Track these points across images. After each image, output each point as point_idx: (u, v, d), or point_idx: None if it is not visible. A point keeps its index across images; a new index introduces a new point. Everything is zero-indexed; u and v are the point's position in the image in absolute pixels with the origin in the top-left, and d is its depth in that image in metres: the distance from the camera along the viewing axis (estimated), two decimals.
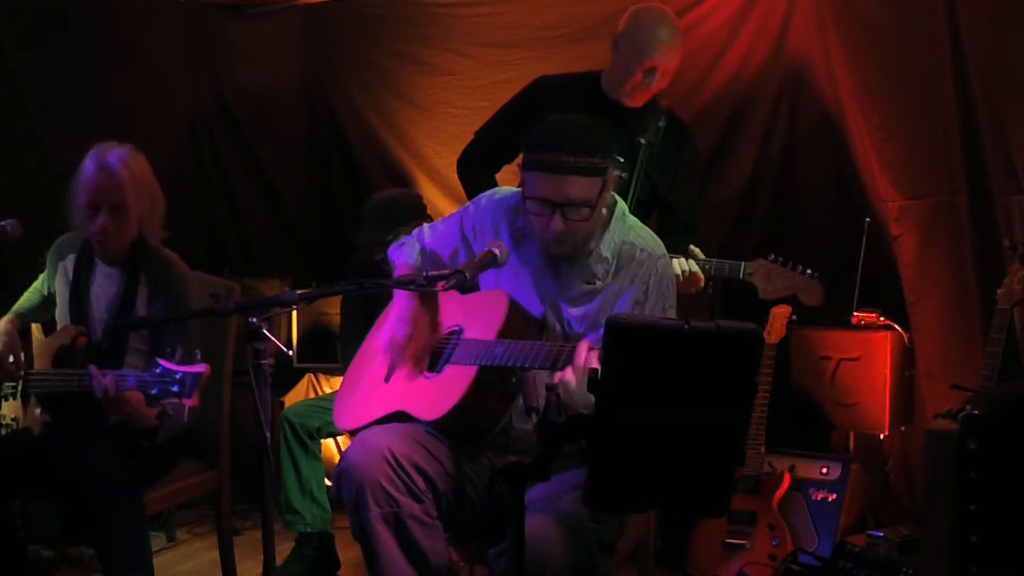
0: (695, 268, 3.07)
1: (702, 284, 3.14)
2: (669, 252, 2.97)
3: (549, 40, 4.29)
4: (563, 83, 3.33)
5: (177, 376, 2.38)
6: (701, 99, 4.00)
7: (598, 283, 2.38)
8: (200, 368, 2.38)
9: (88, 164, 2.83)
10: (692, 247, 3.13)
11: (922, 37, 3.25)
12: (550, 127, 2.28)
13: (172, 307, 2.82)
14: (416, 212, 3.81)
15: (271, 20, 4.93)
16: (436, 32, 4.57)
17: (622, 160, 3.25)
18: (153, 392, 2.40)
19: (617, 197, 2.43)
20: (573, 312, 2.38)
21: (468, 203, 2.60)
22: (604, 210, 2.36)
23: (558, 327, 2.39)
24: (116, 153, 2.83)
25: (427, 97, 4.63)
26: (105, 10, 4.45)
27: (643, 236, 2.43)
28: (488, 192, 2.58)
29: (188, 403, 2.39)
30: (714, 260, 3.14)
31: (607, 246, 2.37)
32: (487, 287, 2.48)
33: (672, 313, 2.39)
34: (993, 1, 3.10)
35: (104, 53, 4.45)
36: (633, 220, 2.46)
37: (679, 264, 3.05)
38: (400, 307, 2.54)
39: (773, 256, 3.11)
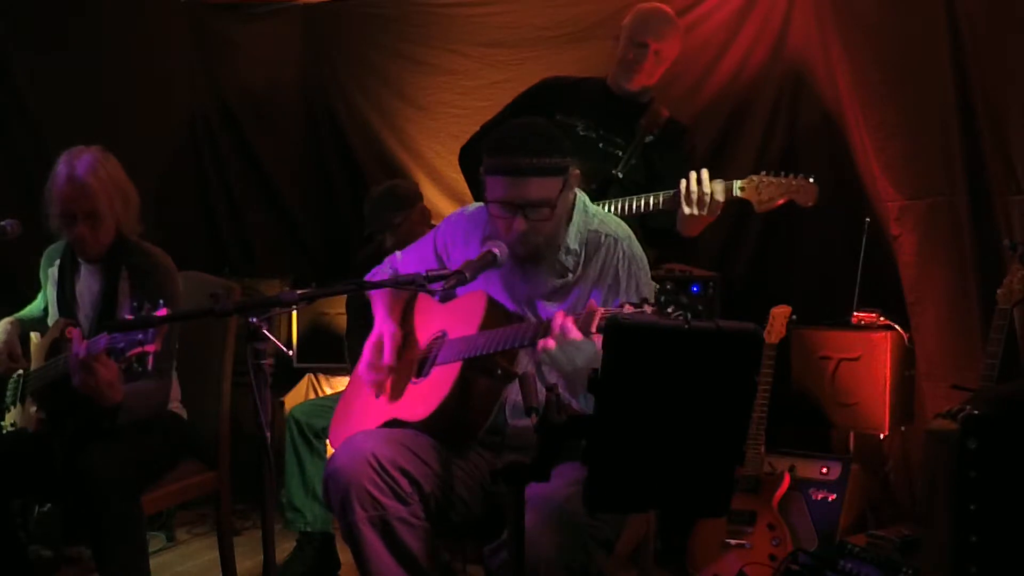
0: (718, 193, 3.03)
1: (719, 212, 3.08)
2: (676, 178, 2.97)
3: (549, 40, 4.29)
4: (571, 83, 3.41)
5: None
6: (701, 99, 4.01)
7: (570, 275, 2.40)
8: (160, 313, 2.38)
9: (59, 173, 2.82)
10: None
11: (922, 37, 3.25)
12: (507, 131, 2.32)
13: (154, 295, 2.82)
14: (416, 196, 3.89)
15: (271, 20, 4.93)
16: (436, 32, 4.57)
17: (620, 141, 3.28)
18: (120, 346, 2.41)
19: (577, 190, 2.45)
20: (551, 308, 2.40)
21: (441, 221, 2.65)
22: (568, 206, 2.39)
23: (538, 320, 2.40)
24: (84, 161, 2.82)
25: (427, 97, 4.63)
26: (105, 10, 4.45)
27: (606, 221, 2.46)
28: (459, 209, 2.64)
29: (151, 348, 2.40)
30: None
31: (573, 237, 2.40)
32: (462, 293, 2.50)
33: (647, 290, 2.40)
34: (993, 1, 3.10)
35: (104, 53, 4.45)
36: (595, 208, 2.49)
37: (692, 181, 3.02)
38: (382, 316, 2.58)
39: (764, 171, 3.10)
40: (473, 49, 4.49)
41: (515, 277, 2.44)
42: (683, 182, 3.03)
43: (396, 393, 2.51)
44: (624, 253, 2.40)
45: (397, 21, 4.67)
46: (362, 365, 2.56)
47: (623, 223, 2.50)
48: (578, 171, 2.37)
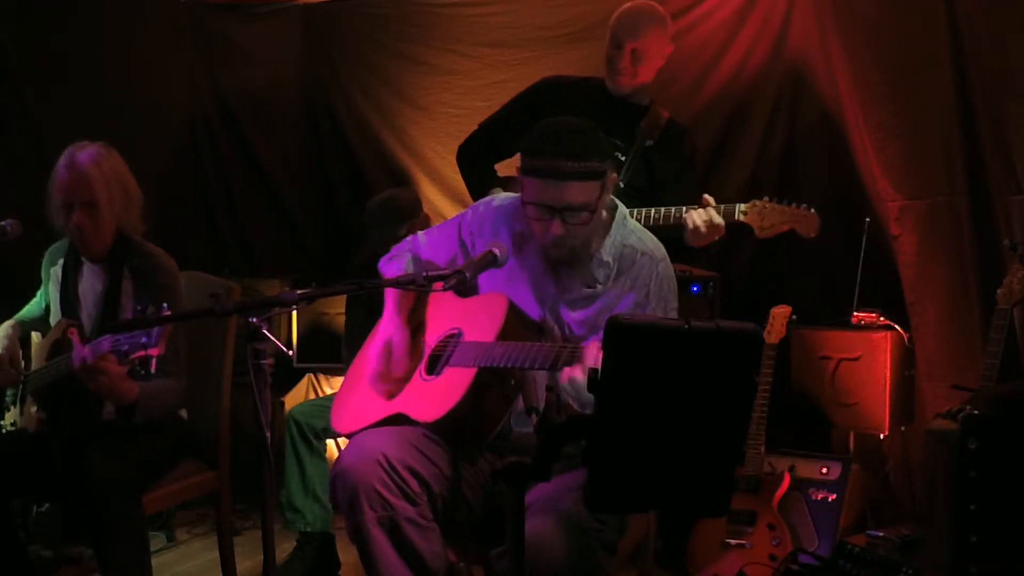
0: (717, 218, 3.06)
1: (723, 232, 3.11)
2: (680, 205, 2.97)
3: (549, 40, 4.30)
4: (571, 83, 3.40)
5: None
6: (701, 99, 4.01)
7: (599, 287, 2.37)
8: (163, 314, 2.39)
9: (60, 164, 2.85)
10: (705, 196, 3.11)
11: (922, 37, 3.25)
12: (547, 132, 2.26)
13: (157, 297, 2.82)
14: (418, 206, 3.87)
15: (271, 20, 4.93)
16: (436, 32, 4.57)
17: (620, 143, 3.28)
18: (124, 349, 2.42)
19: (618, 201, 2.43)
20: (573, 316, 2.38)
21: (466, 209, 2.60)
22: (604, 212, 2.36)
23: (557, 330, 2.38)
24: (87, 152, 2.85)
25: (427, 97, 4.63)
26: (105, 10, 4.46)
27: (643, 239, 2.42)
28: (485, 199, 2.59)
29: (154, 352, 2.41)
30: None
31: (608, 250, 2.36)
32: (486, 290, 2.48)
33: (673, 315, 2.39)
34: (993, 1, 3.10)
35: (104, 53, 4.45)
36: (634, 223, 2.45)
37: (698, 215, 3.05)
38: (389, 313, 2.55)
39: (767, 197, 3.10)
40: (473, 49, 4.49)
41: (546, 278, 2.40)
42: (688, 220, 3.05)
43: (405, 385, 2.48)
44: (658, 274, 2.37)
45: (397, 21, 4.67)
46: (369, 372, 2.52)
47: (660, 243, 2.46)
48: (615, 174, 2.34)
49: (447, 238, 2.57)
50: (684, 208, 3.08)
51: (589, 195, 2.24)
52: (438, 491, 2.28)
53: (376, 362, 2.51)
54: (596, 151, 2.24)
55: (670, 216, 3.10)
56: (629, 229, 2.42)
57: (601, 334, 2.21)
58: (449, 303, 2.53)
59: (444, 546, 2.29)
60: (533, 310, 2.41)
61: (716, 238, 3.10)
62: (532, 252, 2.40)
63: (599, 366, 1.99)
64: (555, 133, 2.25)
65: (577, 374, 2.07)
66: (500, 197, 2.57)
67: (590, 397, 1.98)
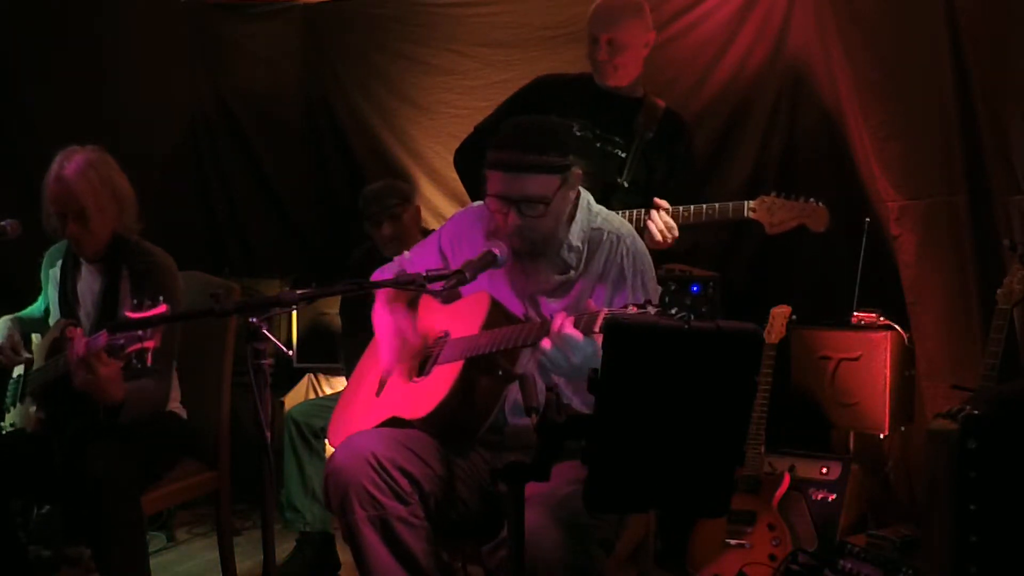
0: (669, 220, 3.11)
1: (676, 235, 3.14)
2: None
3: (549, 40, 4.29)
4: (564, 81, 3.40)
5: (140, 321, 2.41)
6: (701, 99, 4.01)
7: (572, 272, 2.43)
8: (159, 309, 2.40)
9: (50, 173, 2.84)
10: (657, 200, 3.13)
11: (922, 37, 3.25)
12: (510, 127, 2.35)
13: (154, 294, 2.83)
14: (414, 194, 3.94)
15: (271, 20, 4.93)
16: (436, 32, 4.57)
17: (619, 141, 3.28)
18: (120, 343, 2.43)
19: (581, 188, 2.46)
20: (552, 305, 2.42)
21: (445, 222, 2.66)
22: (566, 204, 2.40)
23: (539, 320, 2.40)
24: (73, 163, 2.83)
25: (427, 97, 4.63)
26: (105, 10, 4.46)
27: (608, 219, 2.49)
28: (463, 208, 2.65)
29: (150, 344, 2.42)
30: (717, 204, 3.15)
31: (576, 235, 2.42)
32: (468, 292, 2.50)
33: (652, 285, 2.42)
34: (993, 1, 3.10)
35: (104, 53, 4.46)
36: (597, 207, 2.51)
37: (651, 221, 3.08)
38: (384, 307, 2.58)
39: (775, 192, 3.11)
40: (473, 49, 4.49)
41: (517, 272, 2.45)
42: (650, 231, 3.09)
43: (396, 391, 2.51)
44: (628, 250, 2.43)
45: (398, 21, 4.67)
46: (386, 359, 2.54)
47: (626, 221, 2.52)
48: (580, 171, 2.38)
49: (430, 251, 2.62)
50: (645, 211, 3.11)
51: (545, 188, 2.29)
52: (430, 490, 2.29)
53: (391, 348, 2.53)
54: (554, 146, 2.30)
55: (641, 219, 3.12)
56: (594, 212, 2.48)
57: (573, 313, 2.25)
58: (435, 311, 2.58)
59: (437, 544, 2.30)
60: (513, 305, 2.45)
61: (672, 242, 3.12)
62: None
63: (564, 330, 2.07)
64: (518, 128, 2.33)
65: (546, 344, 2.11)
66: (476, 203, 2.62)
67: (564, 360, 2.07)
